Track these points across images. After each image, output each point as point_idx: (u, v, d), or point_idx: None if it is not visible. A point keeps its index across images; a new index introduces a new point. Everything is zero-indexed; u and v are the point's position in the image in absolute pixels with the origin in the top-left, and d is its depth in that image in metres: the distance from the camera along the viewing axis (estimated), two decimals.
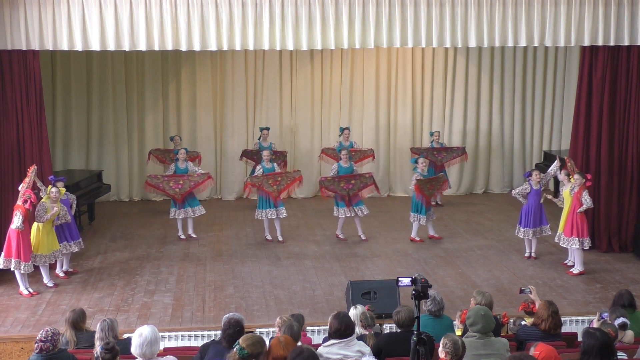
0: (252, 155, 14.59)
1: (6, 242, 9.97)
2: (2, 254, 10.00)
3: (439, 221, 13.06)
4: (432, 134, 15.05)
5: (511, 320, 7.78)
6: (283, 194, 12.49)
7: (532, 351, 5.79)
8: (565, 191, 11.01)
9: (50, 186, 10.28)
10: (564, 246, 11.06)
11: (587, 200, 10.66)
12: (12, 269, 10.00)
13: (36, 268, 10.30)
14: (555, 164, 11.52)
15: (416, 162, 12.43)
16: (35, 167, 10.26)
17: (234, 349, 5.20)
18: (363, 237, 12.51)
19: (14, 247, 9.87)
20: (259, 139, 14.50)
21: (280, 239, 12.53)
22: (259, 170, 12.45)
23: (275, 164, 12.80)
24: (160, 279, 10.81)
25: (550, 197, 11.42)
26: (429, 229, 12.54)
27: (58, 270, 10.79)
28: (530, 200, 11.34)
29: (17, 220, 9.80)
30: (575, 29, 11.17)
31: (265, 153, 12.66)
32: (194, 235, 12.76)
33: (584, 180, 10.69)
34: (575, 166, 11.23)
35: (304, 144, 15.86)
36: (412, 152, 14.86)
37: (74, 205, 11.20)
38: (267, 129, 14.51)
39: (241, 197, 15.48)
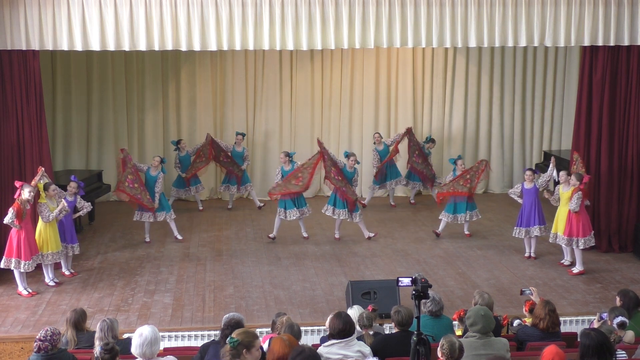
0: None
1: (7, 241, 9.99)
2: (4, 253, 10.02)
3: (438, 221, 13.05)
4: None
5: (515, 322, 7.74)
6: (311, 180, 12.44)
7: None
8: (565, 192, 10.99)
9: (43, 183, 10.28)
10: (566, 246, 11.05)
11: (573, 202, 10.64)
12: (12, 268, 10.01)
13: (36, 267, 10.30)
14: (551, 166, 11.49)
15: (455, 163, 12.56)
16: (43, 169, 10.29)
17: (226, 342, 5.22)
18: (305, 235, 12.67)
19: (14, 246, 9.90)
20: (234, 144, 14.51)
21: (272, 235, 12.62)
22: (277, 175, 12.50)
23: (296, 162, 12.64)
24: (160, 279, 10.81)
25: (547, 195, 11.37)
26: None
27: (64, 269, 10.81)
28: (524, 199, 11.38)
29: (8, 215, 9.80)
30: (575, 29, 11.18)
31: (281, 155, 12.73)
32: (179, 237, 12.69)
33: (579, 183, 10.68)
34: (582, 165, 11.20)
35: (303, 144, 15.82)
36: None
37: (82, 213, 11.25)
38: (243, 134, 14.54)
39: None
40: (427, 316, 7.06)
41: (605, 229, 11.87)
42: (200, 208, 14.64)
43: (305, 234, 12.67)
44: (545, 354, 5.59)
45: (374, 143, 14.60)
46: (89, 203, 11.41)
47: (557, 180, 11.47)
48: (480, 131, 16.09)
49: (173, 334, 8.98)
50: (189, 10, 10.64)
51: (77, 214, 11.21)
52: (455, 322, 7.61)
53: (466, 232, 12.78)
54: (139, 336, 5.64)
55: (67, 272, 10.84)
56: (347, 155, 12.51)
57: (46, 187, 10.23)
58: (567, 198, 10.83)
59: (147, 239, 12.51)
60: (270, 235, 12.57)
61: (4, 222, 9.93)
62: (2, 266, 10.03)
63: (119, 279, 10.81)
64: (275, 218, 12.53)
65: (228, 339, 5.22)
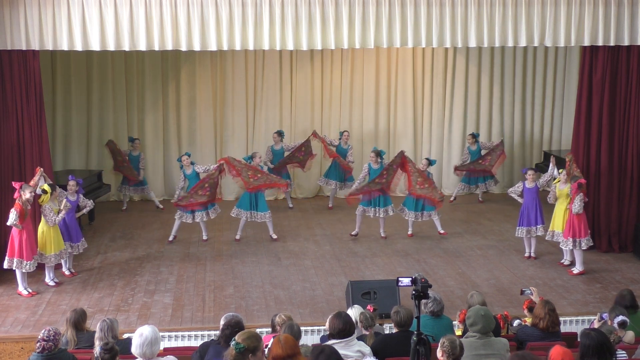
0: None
1: (9, 241, 9.99)
2: (6, 254, 10.02)
3: (440, 221, 13.05)
4: (474, 137, 14.97)
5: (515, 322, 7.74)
6: (255, 190, 12.35)
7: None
8: (563, 190, 10.99)
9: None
10: (563, 248, 11.06)
11: (576, 205, 10.62)
12: (14, 268, 10.02)
13: (37, 267, 10.29)
14: (551, 165, 11.50)
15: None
16: (42, 169, 10.30)
17: (231, 346, 5.21)
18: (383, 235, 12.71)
19: (16, 246, 9.90)
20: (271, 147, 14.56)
21: (274, 236, 12.60)
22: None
23: (267, 166, 12.65)
24: (160, 279, 10.81)
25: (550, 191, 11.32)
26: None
27: (64, 269, 10.81)
28: (525, 198, 11.37)
29: (11, 217, 9.81)
30: (575, 29, 11.18)
31: (256, 155, 12.65)
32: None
33: (575, 184, 10.65)
34: (576, 166, 11.21)
35: None
36: (457, 169, 14.89)
37: (85, 211, 11.29)
38: (280, 132, 14.61)
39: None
40: (427, 316, 7.06)
41: (605, 229, 11.87)
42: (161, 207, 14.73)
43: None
44: (553, 355, 5.46)
45: (340, 139, 14.68)
46: (91, 201, 11.46)
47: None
48: (480, 131, 16.06)
49: (173, 334, 8.98)
50: (189, 10, 10.64)
51: (81, 212, 11.25)
52: (456, 323, 7.61)
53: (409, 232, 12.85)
54: (139, 336, 5.65)
55: (67, 272, 10.84)
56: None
57: (53, 189, 10.24)
58: (565, 195, 10.84)
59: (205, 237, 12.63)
60: (237, 237, 12.62)
61: (7, 224, 9.93)
62: (5, 266, 10.04)
63: (119, 279, 10.81)
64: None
65: (233, 343, 5.19)
